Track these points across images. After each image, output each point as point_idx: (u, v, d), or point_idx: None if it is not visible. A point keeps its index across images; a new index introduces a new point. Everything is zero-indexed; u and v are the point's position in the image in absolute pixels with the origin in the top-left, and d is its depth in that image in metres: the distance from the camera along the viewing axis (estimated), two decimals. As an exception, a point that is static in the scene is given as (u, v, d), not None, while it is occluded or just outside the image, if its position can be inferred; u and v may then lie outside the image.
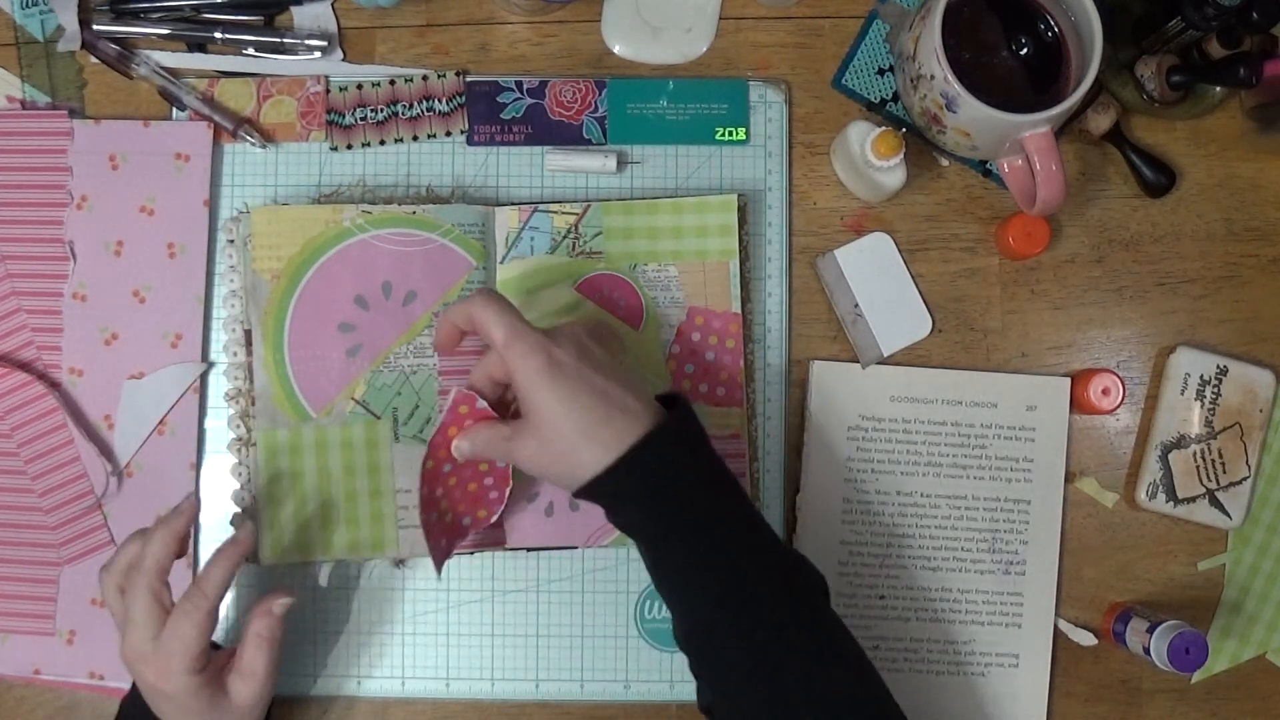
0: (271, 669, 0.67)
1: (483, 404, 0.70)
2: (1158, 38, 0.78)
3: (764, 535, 0.66)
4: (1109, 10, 0.73)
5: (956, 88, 0.70)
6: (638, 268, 0.78)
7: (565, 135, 0.80)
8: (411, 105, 0.80)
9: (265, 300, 0.75)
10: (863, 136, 0.75)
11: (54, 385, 0.77)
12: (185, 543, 0.68)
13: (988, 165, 0.81)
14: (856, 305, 0.79)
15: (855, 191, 0.81)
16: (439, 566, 0.73)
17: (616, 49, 0.82)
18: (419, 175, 0.80)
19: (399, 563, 0.78)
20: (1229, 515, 0.80)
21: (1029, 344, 0.81)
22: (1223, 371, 0.80)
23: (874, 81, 0.82)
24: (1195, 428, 0.80)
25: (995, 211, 0.82)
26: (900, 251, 0.80)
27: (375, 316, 0.76)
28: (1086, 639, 0.80)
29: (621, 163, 0.80)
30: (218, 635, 0.70)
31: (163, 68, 0.80)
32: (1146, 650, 0.74)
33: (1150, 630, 0.74)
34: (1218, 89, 0.80)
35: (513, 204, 0.79)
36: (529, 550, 0.78)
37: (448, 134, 0.80)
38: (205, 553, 0.77)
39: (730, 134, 0.81)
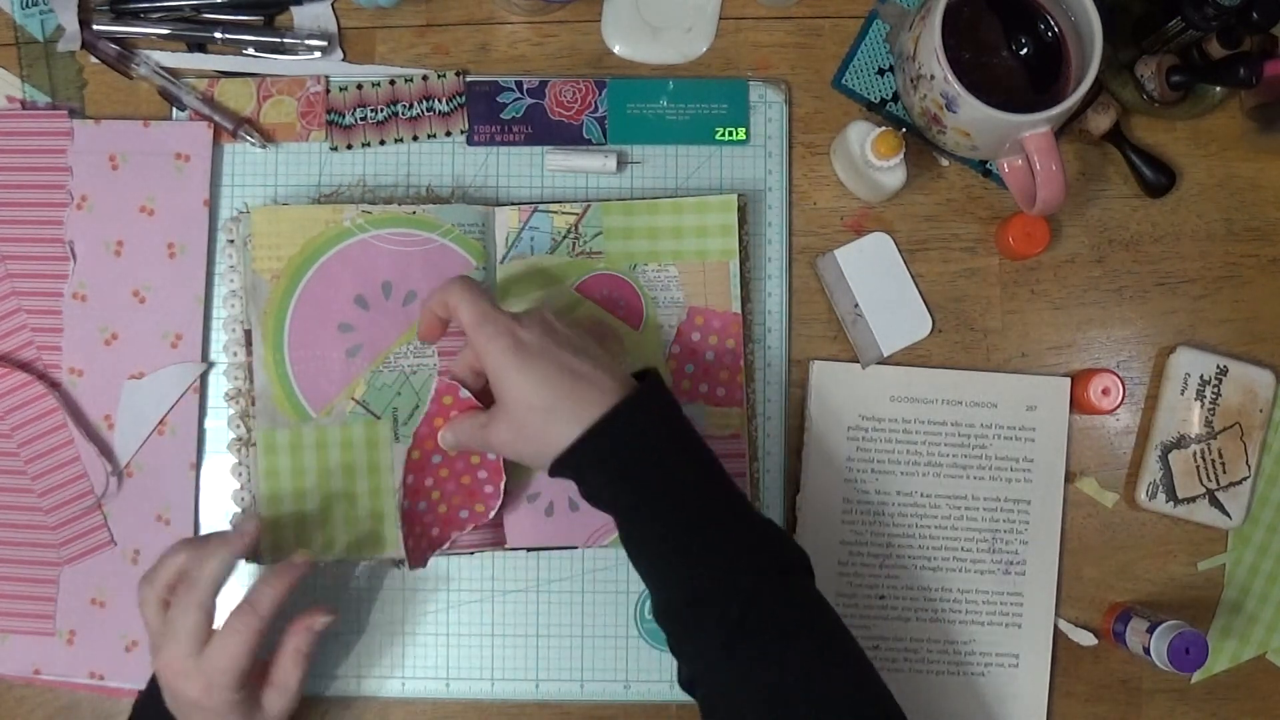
0: (304, 683, 0.68)
1: (466, 394, 0.71)
2: (1158, 38, 0.78)
3: (740, 508, 0.65)
4: (1109, 10, 0.73)
5: (956, 88, 0.70)
6: (638, 268, 0.78)
7: (565, 135, 0.80)
8: (411, 105, 0.80)
9: (265, 300, 0.75)
10: (863, 136, 0.75)
11: (54, 385, 0.77)
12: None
13: (988, 165, 0.81)
14: (856, 305, 0.79)
15: (855, 191, 0.81)
16: (421, 558, 0.73)
17: (616, 49, 0.82)
18: (419, 175, 0.80)
19: (399, 563, 0.78)
20: (1229, 515, 0.80)
21: (1029, 344, 0.81)
22: (1223, 371, 0.80)
23: (874, 81, 0.82)
24: (1195, 428, 0.80)
25: (995, 211, 0.82)
26: (900, 251, 0.80)
27: (375, 316, 0.76)
28: (1086, 639, 0.80)
29: (621, 163, 0.80)
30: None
31: (163, 68, 0.80)
32: (1146, 650, 0.74)
33: (1150, 630, 0.74)
34: (1218, 89, 0.80)
35: (513, 204, 0.79)
36: (529, 550, 0.78)
37: (448, 134, 0.80)
38: (205, 553, 0.77)
39: (730, 134, 0.81)
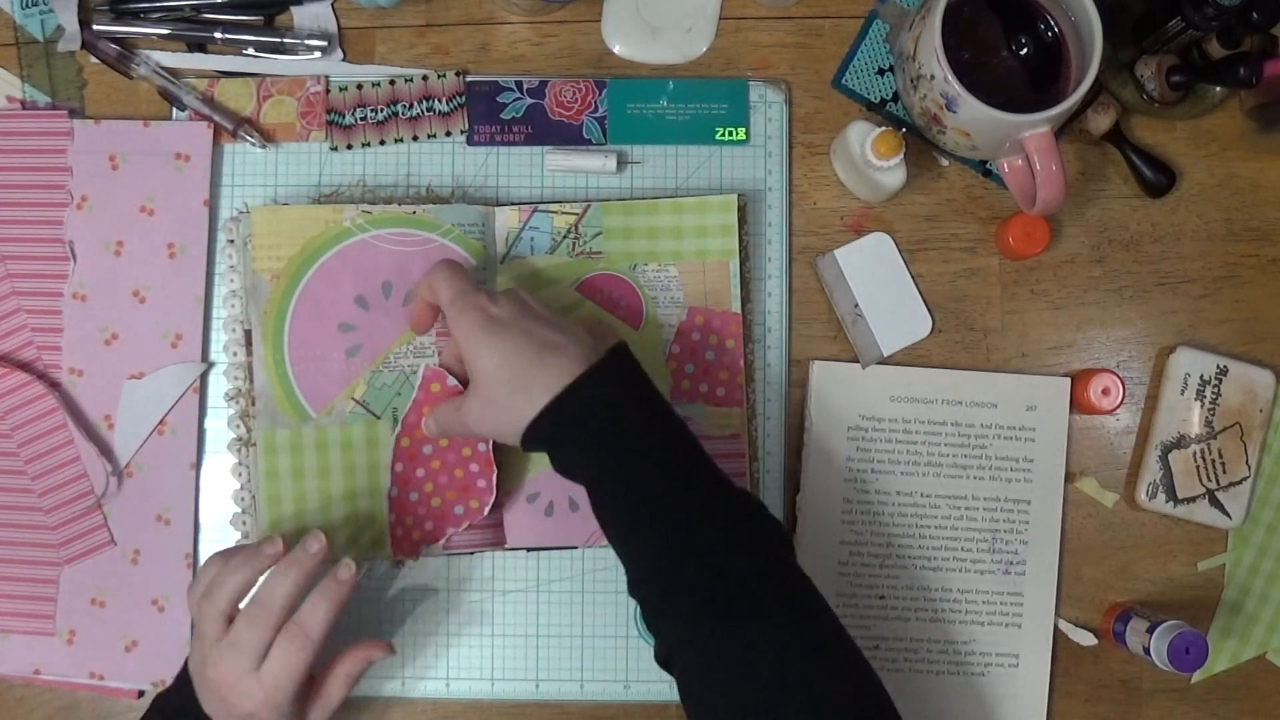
0: (343, 701, 0.70)
1: (454, 382, 0.72)
2: (1158, 38, 0.78)
3: (712, 478, 0.65)
4: (1109, 10, 0.73)
5: (956, 88, 0.70)
6: (638, 268, 0.78)
7: (565, 135, 0.80)
8: (411, 105, 0.80)
9: (265, 300, 0.75)
10: (863, 136, 0.75)
11: (54, 385, 0.77)
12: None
13: (988, 165, 0.81)
14: (856, 305, 0.79)
15: (855, 191, 0.81)
16: (411, 549, 0.74)
17: (616, 49, 0.82)
18: (419, 175, 0.80)
19: (399, 562, 0.78)
20: (1229, 515, 0.80)
21: (1029, 344, 0.81)
22: (1223, 371, 0.80)
23: (874, 81, 0.82)
24: (1195, 428, 0.80)
25: (995, 211, 0.82)
26: (900, 251, 0.80)
27: (375, 316, 0.76)
28: (1086, 639, 0.80)
29: (621, 163, 0.80)
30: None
31: (163, 68, 0.80)
32: (1146, 650, 0.74)
33: (1150, 630, 0.74)
34: (1218, 89, 0.80)
35: (513, 204, 0.79)
36: (529, 550, 0.78)
37: (448, 134, 0.80)
38: (205, 555, 0.77)
39: (730, 134, 0.81)
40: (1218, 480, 0.80)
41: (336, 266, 0.76)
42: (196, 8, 0.80)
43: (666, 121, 0.81)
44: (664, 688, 0.78)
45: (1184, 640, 0.73)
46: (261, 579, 0.66)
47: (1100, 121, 0.79)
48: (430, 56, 0.81)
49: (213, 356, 0.79)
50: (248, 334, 0.76)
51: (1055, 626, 0.79)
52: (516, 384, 0.64)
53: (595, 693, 0.78)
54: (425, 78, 0.80)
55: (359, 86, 0.80)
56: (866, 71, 0.82)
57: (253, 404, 0.76)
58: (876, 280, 0.79)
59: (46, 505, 0.77)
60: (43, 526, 0.77)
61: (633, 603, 0.78)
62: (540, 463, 0.76)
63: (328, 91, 0.80)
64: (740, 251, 0.78)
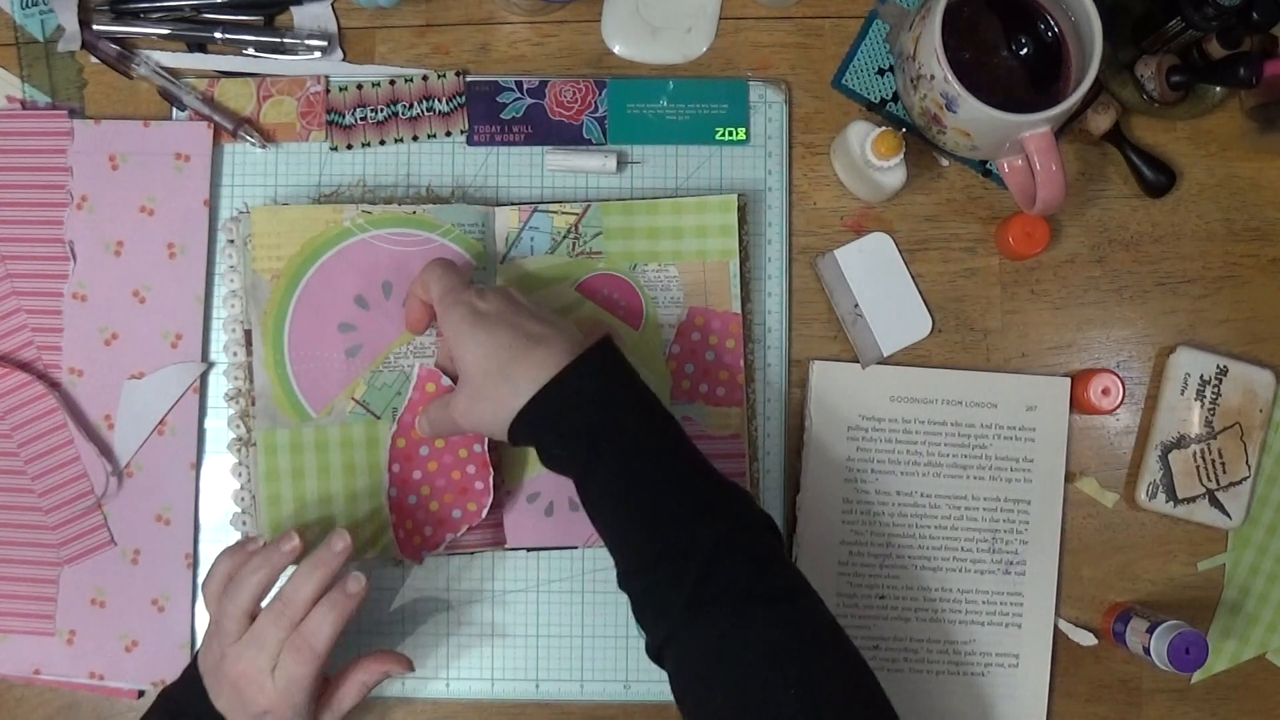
0: (354, 707, 0.70)
1: (448, 381, 0.73)
2: (1158, 38, 0.78)
3: (699, 468, 0.65)
4: (1109, 10, 0.73)
5: (956, 88, 0.70)
6: (638, 268, 0.78)
7: (565, 135, 0.80)
8: (411, 105, 0.80)
9: (265, 300, 0.75)
10: (863, 136, 0.75)
11: (54, 385, 0.77)
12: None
13: (988, 165, 0.81)
14: (856, 305, 0.79)
15: (855, 191, 0.81)
16: (414, 552, 0.74)
17: (616, 49, 0.82)
18: (419, 175, 0.80)
19: (399, 562, 0.78)
20: (1229, 515, 0.80)
21: (1029, 344, 0.81)
22: (1223, 371, 0.80)
23: (874, 81, 0.82)
24: (1195, 428, 0.80)
25: (995, 211, 0.82)
26: (900, 251, 0.80)
27: (375, 316, 0.76)
28: (1086, 639, 0.80)
29: (621, 163, 0.80)
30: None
31: (163, 68, 0.80)
32: (1146, 650, 0.74)
33: (1150, 630, 0.74)
34: (1218, 89, 0.80)
35: (513, 204, 0.79)
36: (529, 550, 0.78)
37: (448, 134, 0.80)
38: (205, 555, 0.77)
39: (730, 134, 0.81)
40: (1218, 480, 0.80)
41: (336, 266, 0.76)
42: (196, 8, 0.80)
43: (666, 121, 0.81)
44: (664, 688, 0.77)
45: (1184, 640, 0.73)
46: (284, 577, 0.67)
47: (1100, 121, 0.79)
48: (430, 56, 0.81)
49: (213, 356, 0.79)
50: (248, 334, 0.76)
51: (1055, 626, 0.79)
52: (502, 377, 0.64)
53: (595, 693, 0.78)
54: (425, 78, 0.80)
55: (359, 86, 0.80)
56: (866, 71, 0.82)
57: (253, 404, 0.76)
58: (876, 280, 0.79)
59: (46, 505, 0.77)
60: (43, 526, 0.77)
61: (632, 602, 0.78)
62: (540, 462, 0.76)
63: (328, 91, 0.80)
64: (740, 251, 0.78)
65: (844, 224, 0.81)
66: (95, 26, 0.79)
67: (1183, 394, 0.80)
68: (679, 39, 0.81)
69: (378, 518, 0.75)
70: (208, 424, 0.78)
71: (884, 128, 0.75)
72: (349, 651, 0.77)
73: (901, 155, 0.74)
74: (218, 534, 0.78)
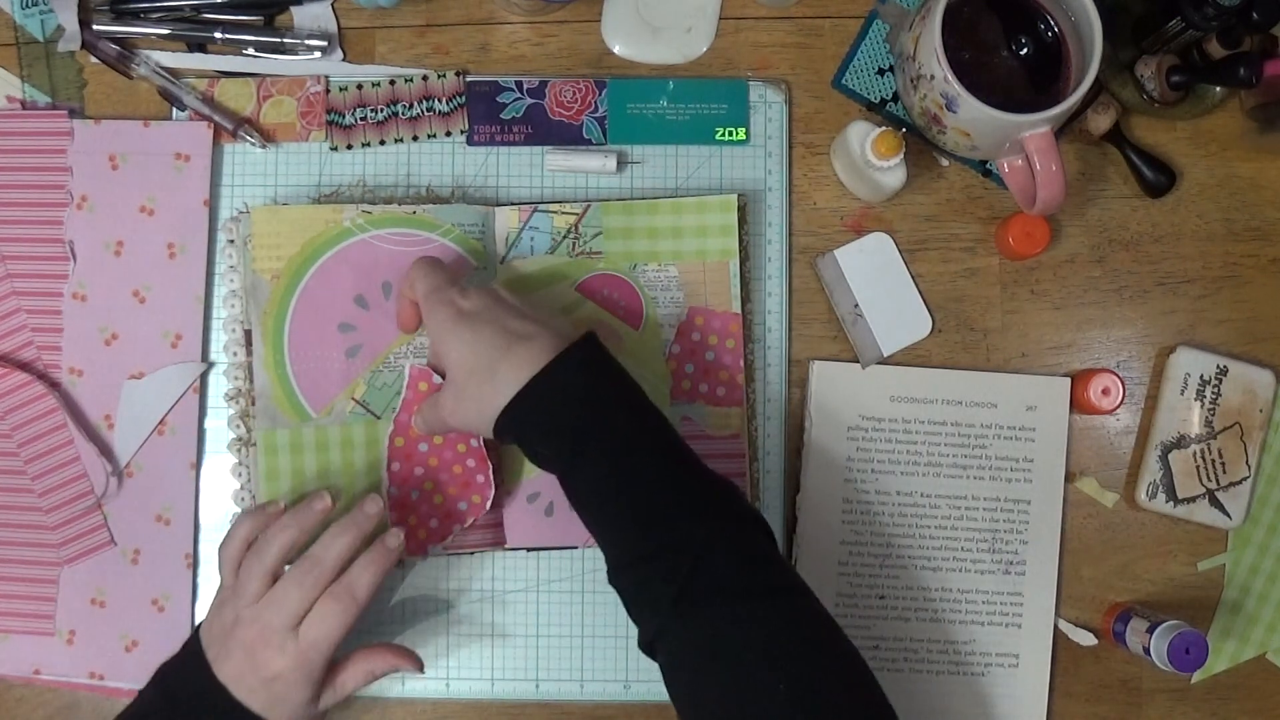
0: (353, 694, 0.70)
1: (439, 379, 0.72)
2: (1158, 38, 0.78)
3: (688, 464, 0.64)
4: (1109, 10, 0.73)
5: (956, 88, 0.70)
6: (638, 268, 0.78)
7: (565, 135, 0.80)
8: (411, 105, 0.80)
9: (265, 300, 0.75)
10: (863, 136, 0.75)
11: (54, 385, 0.77)
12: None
13: (988, 165, 0.81)
14: (856, 305, 0.79)
15: (855, 191, 0.81)
16: (418, 547, 0.74)
17: (616, 49, 0.82)
18: (419, 175, 0.80)
19: (398, 562, 0.78)
20: (1229, 515, 0.80)
21: (1029, 344, 0.81)
22: (1223, 371, 0.80)
23: (874, 81, 0.82)
24: (1195, 428, 0.80)
25: (995, 211, 0.82)
26: (900, 251, 0.80)
27: (375, 316, 0.76)
28: (1086, 639, 0.80)
29: (621, 163, 0.80)
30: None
31: (163, 68, 0.80)
32: (1146, 650, 0.74)
33: (1150, 630, 0.75)
34: (1218, 89, 0.80)
35: (513, 204, 0.79)
36: (529, 550, 0.78)
37: (448, 134, 0.80)
38: (205, 555, 0.77)
39: (730, 134, 0.81)
40: (1218, 480, 0.80)
41: (336, 266, 0.76)
42: (196, 8, 0.80)
43: (666, 121, 0.81)
44: (664, 688, 0.78)
45: (1184, 640, 0.73)
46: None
47: (1100, 121, 0.79)
48: (430, 56, 0.81)
49: (213, 356, 0.79)
50: (248, 334, 0.76)
51: (1055, 626, 0.79)
52: (485, 374, 0.64)
53: (595, 693, 0.78)
54: (425, 78, 0.80)
55: (359, 86, 0.80)
56: (866, 71, 0.82)
57: (253, 404, 0.76)
58: (876, 280, 0.79)
59: (46, 505, 0.77)
60: (43, 526, 0.77)
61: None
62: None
63: (328, 91, 0.80)
64: (740, 251, 0.78)
65: (844, 224, 0.81)
66: (95, 26, 0.79)
67: (1183, 394, 0.80)
68: (679, 39, 0.81)
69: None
70: (208, 424, 0.78)
71: (884, 128, 0.75)
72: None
73: (901, 155, 0.74)
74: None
